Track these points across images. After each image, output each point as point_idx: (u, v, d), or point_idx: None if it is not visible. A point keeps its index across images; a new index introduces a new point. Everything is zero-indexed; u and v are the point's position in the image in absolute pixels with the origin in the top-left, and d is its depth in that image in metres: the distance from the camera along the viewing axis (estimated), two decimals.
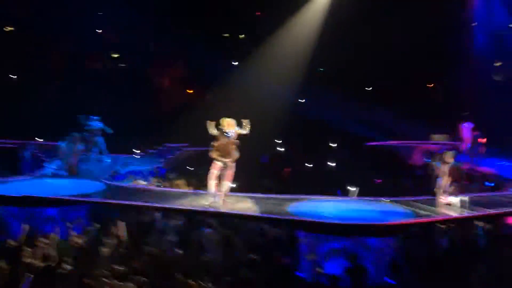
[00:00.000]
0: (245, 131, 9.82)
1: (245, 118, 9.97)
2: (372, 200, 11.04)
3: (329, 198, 10.97)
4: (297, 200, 10.82)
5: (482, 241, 10.53)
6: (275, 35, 22.61)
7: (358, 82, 22.85)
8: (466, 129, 18.03)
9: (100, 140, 16.16)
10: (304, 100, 23.73)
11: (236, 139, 9.84)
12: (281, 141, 22.05)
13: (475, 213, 9.74)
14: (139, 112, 21.68)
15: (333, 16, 21.75)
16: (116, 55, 22.84)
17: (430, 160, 10.37)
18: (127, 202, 10.89)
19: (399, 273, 8.95)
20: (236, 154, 9.83)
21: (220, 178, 9.97)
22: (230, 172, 9.87)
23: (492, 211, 9.93)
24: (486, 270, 9.08)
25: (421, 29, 20.83)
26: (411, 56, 21.27)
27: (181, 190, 13.07)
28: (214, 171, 9.85)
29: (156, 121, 21.35)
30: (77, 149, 14.03)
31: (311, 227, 9.09)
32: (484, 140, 16.55)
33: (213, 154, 9.86)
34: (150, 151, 18.89)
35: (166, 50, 22.73)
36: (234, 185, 10.54)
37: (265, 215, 9.61)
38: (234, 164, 9.89)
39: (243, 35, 24.72)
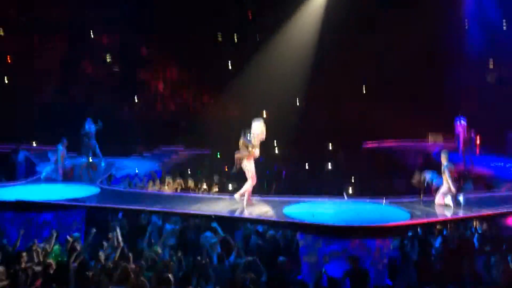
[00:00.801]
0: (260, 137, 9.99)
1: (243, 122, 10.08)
2: (370, 201, 11.03)
3: (326, 199, 10.90)
4: (295, 201, 10.79)
5: (478, 241, 10.56)
6: (272, 39, 22.65)
7: (355, 82, 22.89)
8: (459, 125, 18.18)
9: (95, 143, 16.09)
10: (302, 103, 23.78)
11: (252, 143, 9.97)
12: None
13: (471, 214, 9.74)
14: (135, 115, 21.66)
15: (329, 17, 21.84)
16: (109, 59, 22.72)
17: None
18: (123, 206, 10.85)
19: (398, 275, 8.93)
20: (238, 156, 10.00)
21: None
22: (247, 174, 10.13)
23: (487, 212, 9.93)
24: (481, 270, 9.10)
25: (417, 29, 20.92)
26: (408, 56, 21.32)
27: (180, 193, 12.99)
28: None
29: (152, 124, 21.31)
30: (65, 154, 13.93)
31: (311, 230, 9.06)
32: (478, 139, 16.58)
33: (236, 154, 10.12)
34: (147, 154, 18.84)
35: (162, 53, 22.65)
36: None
37: (264, 218, 9.58)
38: (248, 167, 10.04)
39: (236, 36, 24.67)
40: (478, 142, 15.89)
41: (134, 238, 10.55)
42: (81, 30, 21.89)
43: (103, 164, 15.90)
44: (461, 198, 10.10)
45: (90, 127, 15.96)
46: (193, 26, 22.05)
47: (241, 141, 9.94)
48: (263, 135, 9.91)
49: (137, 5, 21.23)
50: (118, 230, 9.41)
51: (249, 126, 10.00)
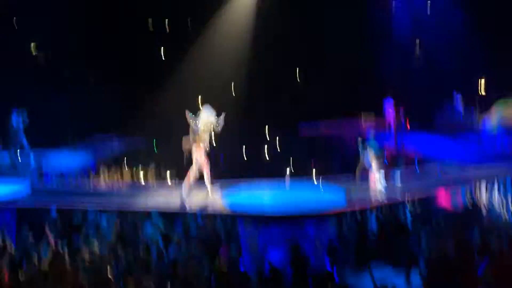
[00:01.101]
0: (214, 120, 9.89)
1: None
2: (308, 183, 11.22)
3: (266, 182, 10.99)
4: (233, 186, 10.79)
5: (412, 222, 11.02)
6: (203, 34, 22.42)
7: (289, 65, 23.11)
8: (387, 104, 18.83)
9: (22, 135, 15.35)
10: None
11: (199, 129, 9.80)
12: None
13: (403, 195, 10.10)
14: (67, 104, 20.78)
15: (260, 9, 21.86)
16: (36, 47, 21.58)
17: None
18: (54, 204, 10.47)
19: (337, 259, 9.16)
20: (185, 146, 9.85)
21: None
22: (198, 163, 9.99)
23: (420, 192, 10.33)
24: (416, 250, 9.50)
25: (348, 12, 21.29)
26: (338, 41, 21.69)
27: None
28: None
29: (85, 113, 20.56)
30: None
31: (251, 220, 9.12)
32: (407, 119, 17.11)
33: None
34: (80, 143, 18.21)
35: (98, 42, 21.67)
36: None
37: (204, 210, 9.52)
38: (197, 155, 9.84)
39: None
40: (407, 121, 16.42)
41: (70, 236, 10.22)
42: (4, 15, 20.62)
43: (31, 157, 15.23)
44: (396, 176, 10.49)
45: (16, 119, 15.20)
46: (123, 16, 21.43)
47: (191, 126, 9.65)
48: (210, 123, 9.62)
49: None
50: (49, 229, 9.09)
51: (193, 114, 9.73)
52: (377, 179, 10.39)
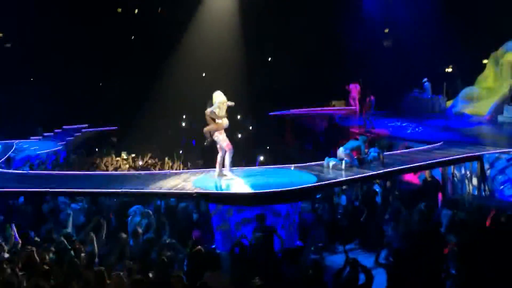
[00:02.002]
0: (230, 103, 9.81)
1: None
2: (278, 167, 11.32)
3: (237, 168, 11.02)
4: (204, 172, 10.83)
5: (380, 199, 11.24)
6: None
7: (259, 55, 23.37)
8: (353, 89, 19.23)
9: None
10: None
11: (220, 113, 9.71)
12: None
13: (371, 172, 10.28)
14: (34, 94, 20.45)
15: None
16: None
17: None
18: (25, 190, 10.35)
19: (309, 235, 9.31)
20: (209, 128, 9.71)
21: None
22: (221, 145, 9.81)
23: (387, 169, 10.52)
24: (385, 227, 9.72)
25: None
26: (307, 29, 21.92)
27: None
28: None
29: (53, 103, 20.29)
30: None
31: (222, 199, 9.17)
32: (373, 101, 17.31)
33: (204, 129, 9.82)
34: (48, 134, 17.97)
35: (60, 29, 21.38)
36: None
37: (173, 191, 9.52)
38: (220, 136, 9.74)
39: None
40: (374, 104, 16.69)
41: (40, 222, 10.13)
42: None
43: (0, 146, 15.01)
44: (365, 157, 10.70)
45: None
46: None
47: (207, 114, 9.66)
48: (225, 103, 9.70)
49: None
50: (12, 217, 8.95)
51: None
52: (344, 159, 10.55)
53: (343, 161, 10.43)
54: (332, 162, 10.54)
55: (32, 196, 10.81)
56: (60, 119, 19.19)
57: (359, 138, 11.30)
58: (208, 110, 9.65)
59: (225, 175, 9.84)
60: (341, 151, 10.63)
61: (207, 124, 9.75)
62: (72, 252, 8.26)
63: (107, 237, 8.97)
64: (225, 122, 9.73)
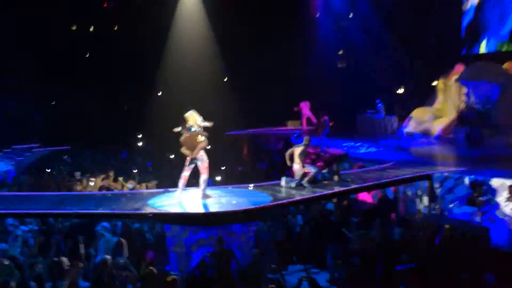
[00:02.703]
0: (208, 123, 9.73)
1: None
2: (235, 187, 11.32)
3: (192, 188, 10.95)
4: (160, 192, 10.70)
5: (335, 217, 11.39)
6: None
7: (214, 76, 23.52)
8: (304, 107, 19.63)
9: None
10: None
11: (203, 131, 9.63)
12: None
13: (325, 192, 10.42)
14: None
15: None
16: None
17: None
18: None
19: (263, 255, 9.31)
20: (201, 145, 9.54)
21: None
22: (203, 165, 9.66)
23: (341, 189, 10.70)
24: (340, 245, 9.83)
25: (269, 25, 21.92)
26: (263, 49, 22.23)
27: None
28: (186, 165, 9.69)
29: (2, 121, 19.66)
30: None
31: (177, 220, 9.08)
32: (331, 123, 17.68)
33: (181, 149, 9.64)
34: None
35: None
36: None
37: (128, 211, 9.36)
38: (205, 157, 9.62)
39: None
40: (331, 124, 16.98)
41: None
42: None
43: None
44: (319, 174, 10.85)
45: None
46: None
47: (187, 135, 9.49)
48: (201, 123, 9.66)
49: None
50: None
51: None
52: (301, 177, 10.67)
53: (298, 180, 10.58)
54: (290, 183, 10.66)
55: None
56: (10, 139, 18.60)
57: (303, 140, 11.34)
58: (202, 124, 9.60)
59: (208, 196, 9.78)
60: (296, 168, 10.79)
61: (180, 145, 9.62)
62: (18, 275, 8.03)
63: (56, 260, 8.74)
64: (203, 139, 9.67)
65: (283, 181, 10.82)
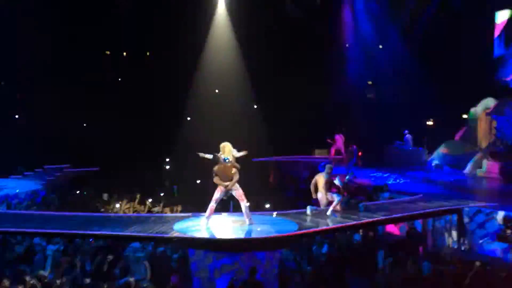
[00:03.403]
0: (243, 153, 9.92)
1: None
2: (260, 213, 11.27)
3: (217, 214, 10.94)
4: (186, 217, 10.72)
5: (361, 248, 11.20)
6: None
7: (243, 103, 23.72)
8: (338, 139, 19.50)
9: None
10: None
11: (235, 162, 9.79)
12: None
13: (352, 222, 10.30)
14: (17, 132, 20.26)
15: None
16: None
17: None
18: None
19: (289, 284, 9.19)
20: (236, 177, 9.69)
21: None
22: (239, 193, 9.79)
23: (368, 219, 10.54)
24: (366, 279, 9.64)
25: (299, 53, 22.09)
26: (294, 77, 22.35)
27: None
28: (217, 194, 9.81)
29: (36, 142, 20.09)
30: None
31: (202, 245, 9.06)
32: (360, 153, 17.66)
33: (214, 179, 9.79)
34: (28, 173, 17.74)
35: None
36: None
37: (152, 235, 9.39)
38: (237, 186, 9.77)
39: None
40: (359, 154, 16.92)
41: (16, 262, 9.86)
42: None
43: None
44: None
45: None
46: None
47: (221, 166, 9.62)
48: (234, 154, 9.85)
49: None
50: None
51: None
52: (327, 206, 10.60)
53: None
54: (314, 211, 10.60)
55: (4, 236, 10.57)
56: (42, 158, 18.97)
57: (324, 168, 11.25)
58: (237, 155, 9.76)
59: (252, 222, 9.86)
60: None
61: (214, 174, 9.72)
62: None
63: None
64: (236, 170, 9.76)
65: (308, 210, 10.77)
